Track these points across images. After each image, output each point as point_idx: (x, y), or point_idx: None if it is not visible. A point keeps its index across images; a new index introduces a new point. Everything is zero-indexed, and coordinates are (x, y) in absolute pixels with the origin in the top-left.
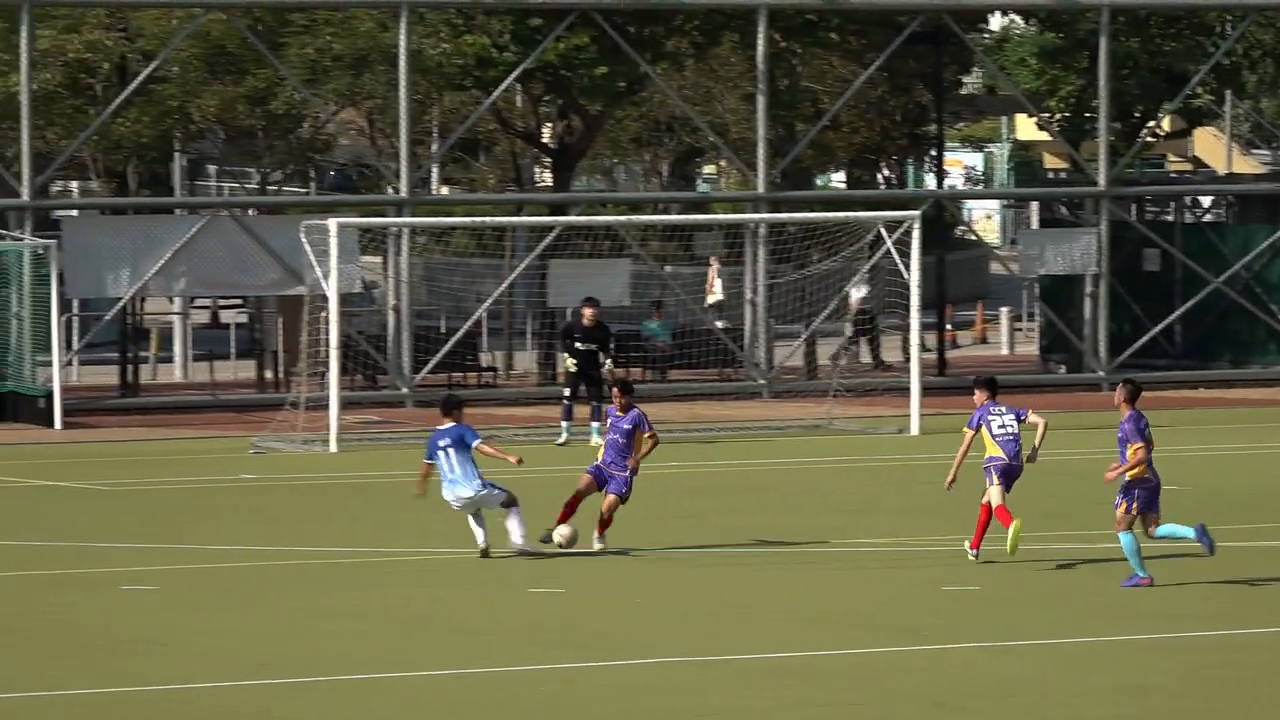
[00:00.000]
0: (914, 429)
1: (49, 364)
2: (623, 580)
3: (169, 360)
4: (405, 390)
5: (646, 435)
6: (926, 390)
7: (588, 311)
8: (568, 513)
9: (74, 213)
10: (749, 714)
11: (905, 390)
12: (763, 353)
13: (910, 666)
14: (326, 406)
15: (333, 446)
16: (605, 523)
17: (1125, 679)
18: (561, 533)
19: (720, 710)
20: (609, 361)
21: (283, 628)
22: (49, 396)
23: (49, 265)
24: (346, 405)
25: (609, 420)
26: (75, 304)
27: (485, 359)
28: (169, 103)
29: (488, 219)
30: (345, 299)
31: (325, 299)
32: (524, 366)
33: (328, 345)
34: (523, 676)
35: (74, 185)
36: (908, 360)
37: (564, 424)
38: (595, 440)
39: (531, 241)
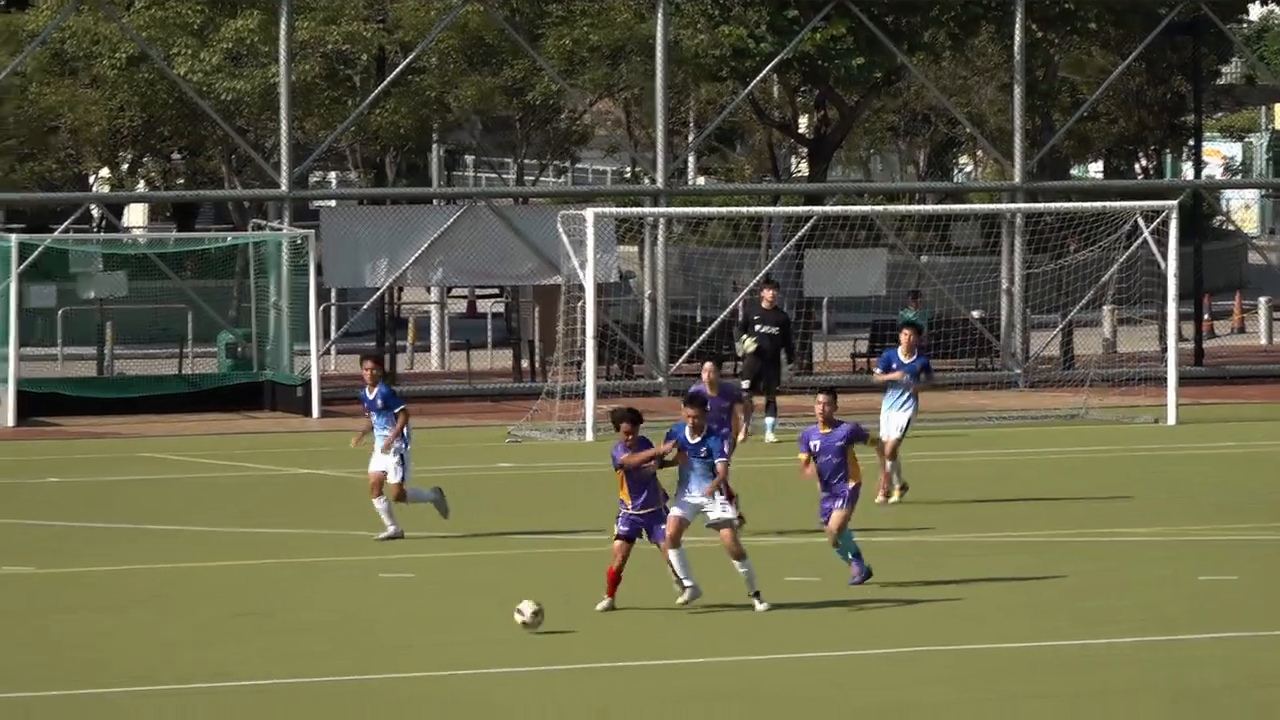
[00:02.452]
0: (1170, 419)
1: (307, 353)
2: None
3: (426, 349)
4: (661, 379)
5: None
6: (1183, 380)
7: (768, 294)
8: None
9: (332, 203)
10: (1004, 701)
11: (1162, 380)
12: (1019, 342)
13: (1157, 658)
14: (582, 395)
15: (589, 435)
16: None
17: None
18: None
19: (969, 701)
20: (791, 365)
21: (557, 618)
22: (307, 385)
23: (307, 255)
24: (602, 394)
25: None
26: (333, 293)
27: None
28: (427, 93)
29: (744, 209)
30: (601, 288)
31: (582, 288)
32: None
33: (584, 334)
34: (808, 663)
35: (332, 176)
36: (1164, 350)
37: (768, 420)
38: (770, 437)
39: (787, 231)
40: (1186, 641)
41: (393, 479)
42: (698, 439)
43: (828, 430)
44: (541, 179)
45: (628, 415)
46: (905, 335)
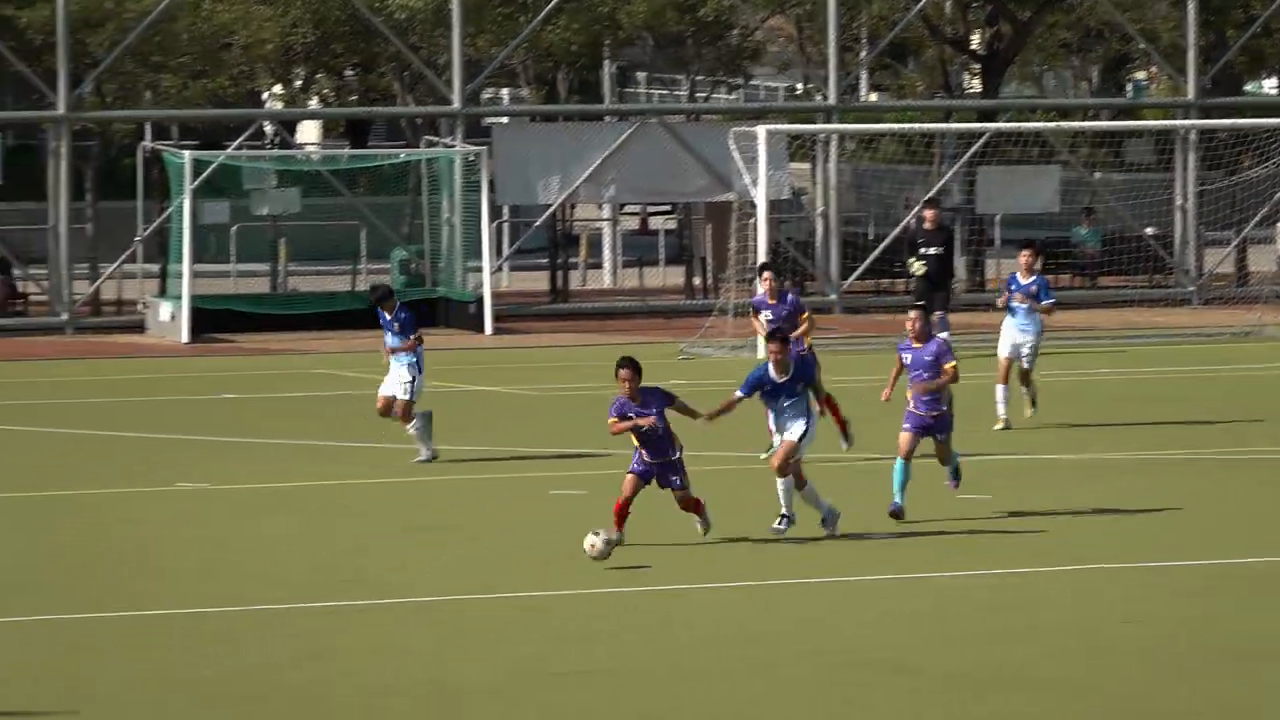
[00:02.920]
0: None
1: (479, 270)
2: (1049, 486)
3: (598, 267)
4: (833, 296)
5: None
6: None
7: (929, 214)
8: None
9: (504, 120)
10: (1161, 620)
11: None
12: (1193, 259)
13: None
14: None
15: (760, 352)
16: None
17: None
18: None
19: (1145, 616)
20: (919, 263)
21: (730, 532)
22: (479, 302)
23: (480, 172)
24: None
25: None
26: (505, 210)
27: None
28: (599, 9)
29: (916, 125)
30: (773, 205)
31: (754, 205)
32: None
33: (756, 251)
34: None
35: (504, 92)
36: None
37: None
38: None
39: (960, 148)
40: None
41: (402, 397)
42: (785, 377)
43: (919, 345)
44: (713, 96)
45: (628, 363)
46: (1023, 256)
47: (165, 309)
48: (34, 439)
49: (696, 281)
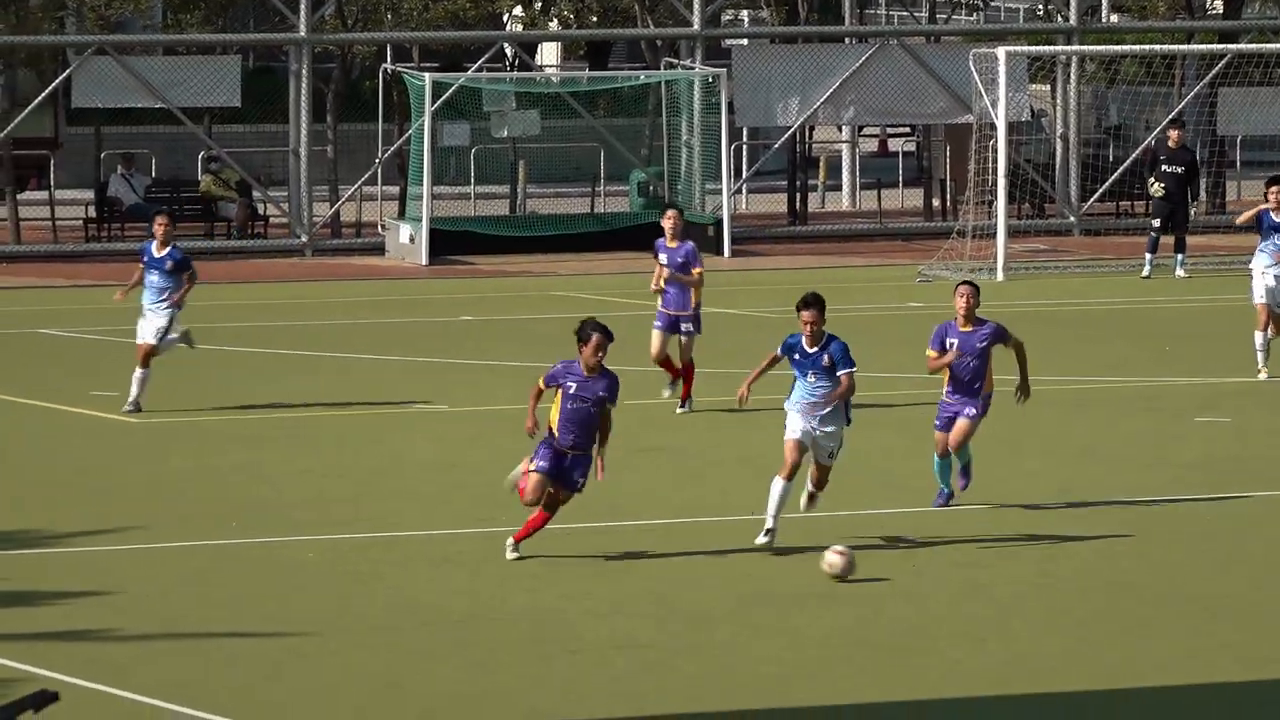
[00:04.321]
0: None
1: (718, 192)
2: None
3: (837, 189)
4: (1073, 219)
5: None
6: None
7: (1174, 134)
8: None
9: (744, 41)
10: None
11: None
12: None
13: None
14: (993, 235)
15: (999, 275)
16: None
17: None
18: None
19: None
20: (1197, 204)
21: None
22: (718, 224)
23: (719, 94)
24: (1013, 234)
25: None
26: (744, 132)
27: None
28: None
29: (1157, 47)
30: (1013, 127)
31: (993, 127)
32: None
33: (995, 174)
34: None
35: (744, 14)
36: None
37: (1148, 256)
38: (1180, 273)
39: (1201, 70)
40: None
41: (151, 340)
42: (815, 348)
43: (968, 328)
44: (953, 17)
45: (599, 328)
46: (1274, 192)
47: (404, 231)
48: (272, 360)
49: (935, 203)
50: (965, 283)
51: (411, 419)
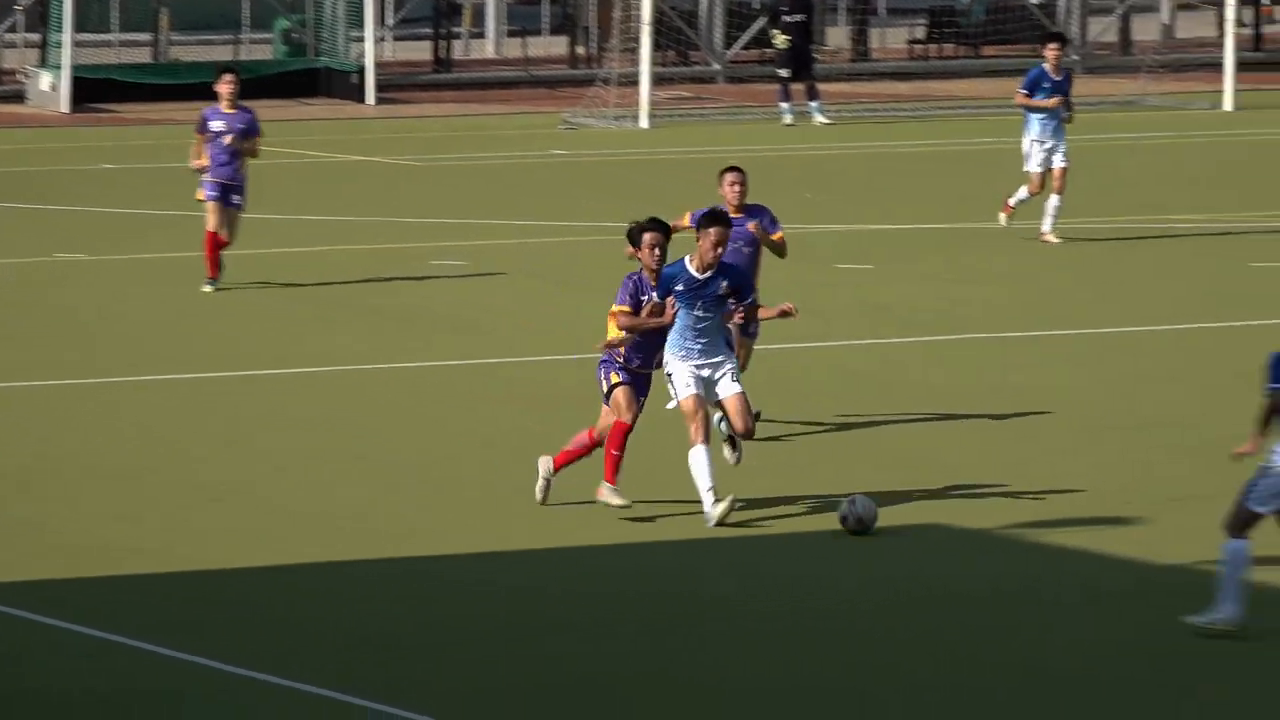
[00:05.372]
0: (1227, 105)
1: (362, 39)
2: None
3: (481, 36)
4: (717, 66)
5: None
6: (1241, 66)
7: None
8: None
9: None
10: (1042, 390)
11: (1219, 66)
12: (1076, 28)
13: (1202, 345)
14: (638, 82)
15: (643, 122)
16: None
17: None
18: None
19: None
20: (783, 36)
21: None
22: (362, 72)
23: None
24: (658, 81)
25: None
26: None
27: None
28: None
29: None
30: None
31: None
32: (837, 42)
33: (640, 20)
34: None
35: None
36: (1222, 36)
37: (783, 105)
38: (820, 119)
39: None
40: (1236, 328)
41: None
42: (708, 273)
43: (738, 215)
44: None
45: (656, 226)
46: (1051, 50)
47: (45, 79)
48: None
49: (580, 51)
50: (732, 169)
51: (50, 267)
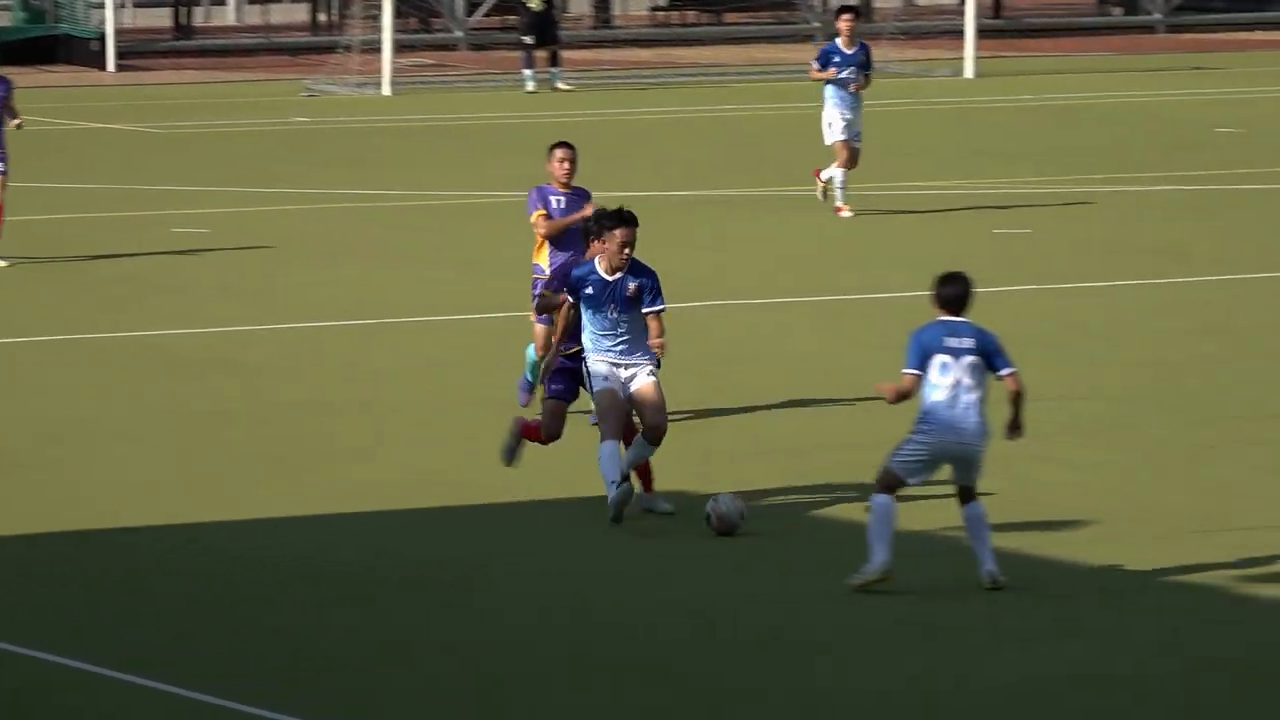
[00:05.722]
0: (968, 72)
1: (102, 6)
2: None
3: (222, 3)
4: (459, 33)
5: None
6: (981, 33)
7: None
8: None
9: None
10: (820, 355)
11: (960, 33)
12: None
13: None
14: (380, 49)
15: (386, 89)
16: None
17: (1200, 319)
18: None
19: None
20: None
21: (347, 274)
22: (103, 38)
23: None
24: (400, 48)
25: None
26: None
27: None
28: None
29: None
30: None
31: None
32: (579, 9)
33: None
34: None
35: None
36: (962, 2)
37: (526, 71)
38: (562, 86)
39: None
40: (989, 294)
41: None
42: (617, 276)
43: (566, 191)
44: None
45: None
46: (844, 21)
47: None
48: None
49: (322, 18)
50: (561, 144)
51: None
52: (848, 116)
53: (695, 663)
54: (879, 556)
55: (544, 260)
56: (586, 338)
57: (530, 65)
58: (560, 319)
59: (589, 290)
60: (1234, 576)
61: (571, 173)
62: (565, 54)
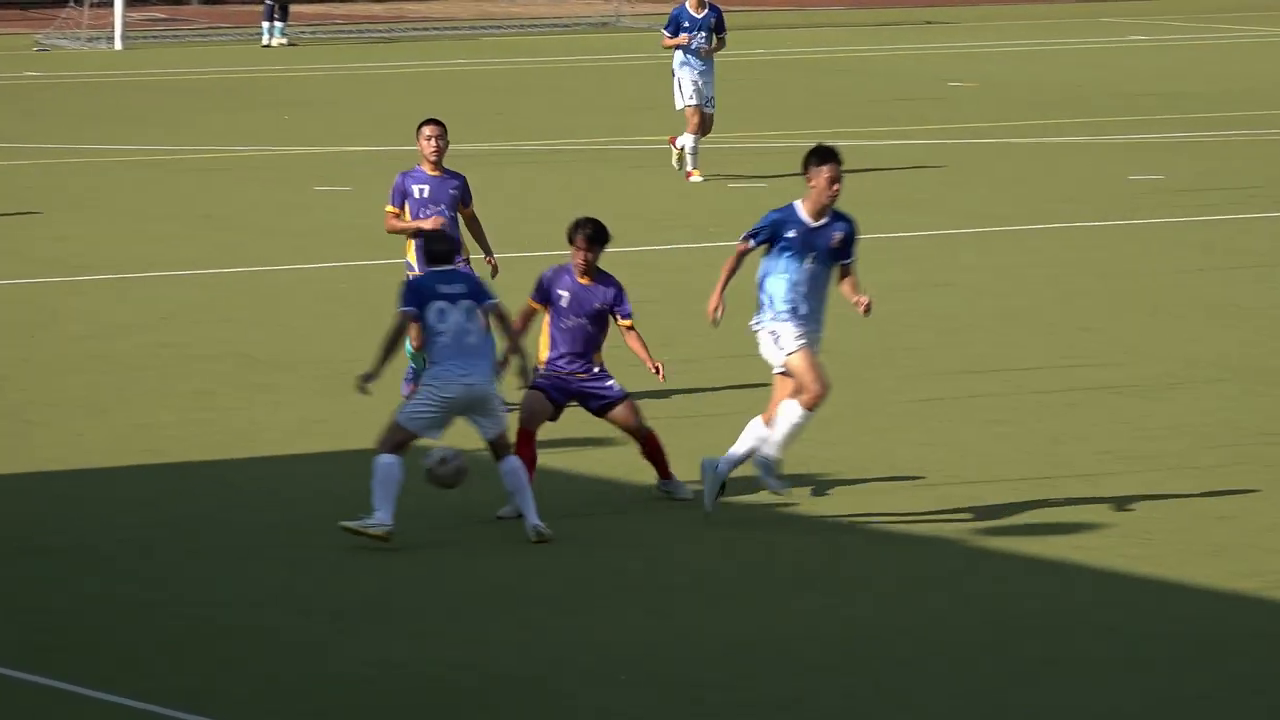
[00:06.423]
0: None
1: None
2: None
3: None
4: None
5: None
6: None
7: None
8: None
9: None
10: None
11: None
12: None
13: (693, 263)
14: (112, 4)
15: (118, 44)
16: None
17: (924, 274)
18: None
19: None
20: None
21: (88, 230)
22: None
23: None
24: (132, 3)
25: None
26: None
27: None
28: None
29: None
30: None
31: None
32: None
33: None
34: (322, 272)
35: None
36: None
37: (265, 25)
38: (280, 41)
39: None
40: (713, 249)
41: None
42: (823, 221)
43: (437, 175)
44: None
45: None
46: None
47: None
48: None
49: None
50: (432, 121)
51: None
52: (698, 81)
53: None
54: (384, 514)
55: (413, 257)
56: (774, 295)
57: (270, 18)
58: (519, 322)
59: (790, 234)
60: (965, 530)
61: (440, 151)
62: (296, 9)
